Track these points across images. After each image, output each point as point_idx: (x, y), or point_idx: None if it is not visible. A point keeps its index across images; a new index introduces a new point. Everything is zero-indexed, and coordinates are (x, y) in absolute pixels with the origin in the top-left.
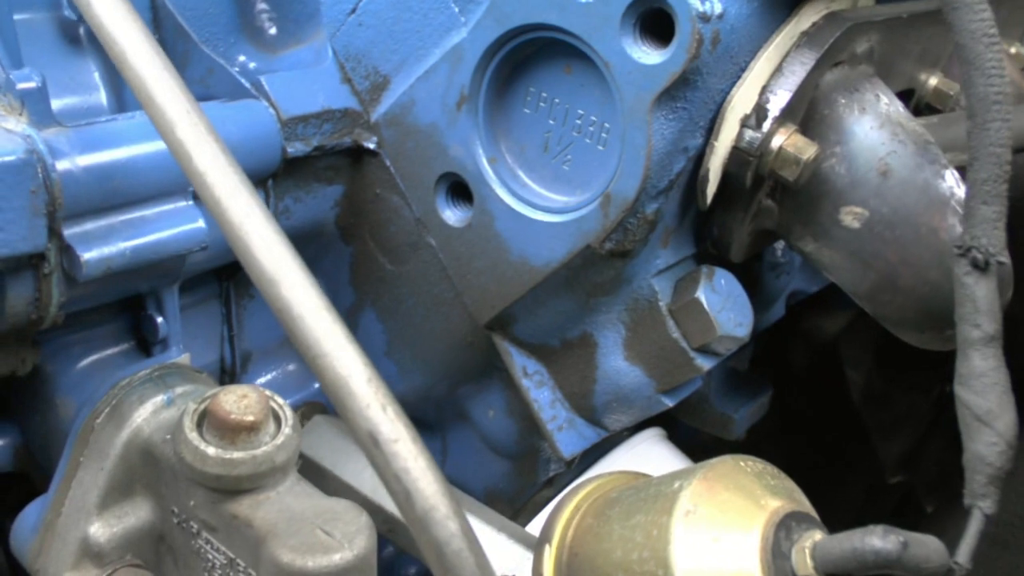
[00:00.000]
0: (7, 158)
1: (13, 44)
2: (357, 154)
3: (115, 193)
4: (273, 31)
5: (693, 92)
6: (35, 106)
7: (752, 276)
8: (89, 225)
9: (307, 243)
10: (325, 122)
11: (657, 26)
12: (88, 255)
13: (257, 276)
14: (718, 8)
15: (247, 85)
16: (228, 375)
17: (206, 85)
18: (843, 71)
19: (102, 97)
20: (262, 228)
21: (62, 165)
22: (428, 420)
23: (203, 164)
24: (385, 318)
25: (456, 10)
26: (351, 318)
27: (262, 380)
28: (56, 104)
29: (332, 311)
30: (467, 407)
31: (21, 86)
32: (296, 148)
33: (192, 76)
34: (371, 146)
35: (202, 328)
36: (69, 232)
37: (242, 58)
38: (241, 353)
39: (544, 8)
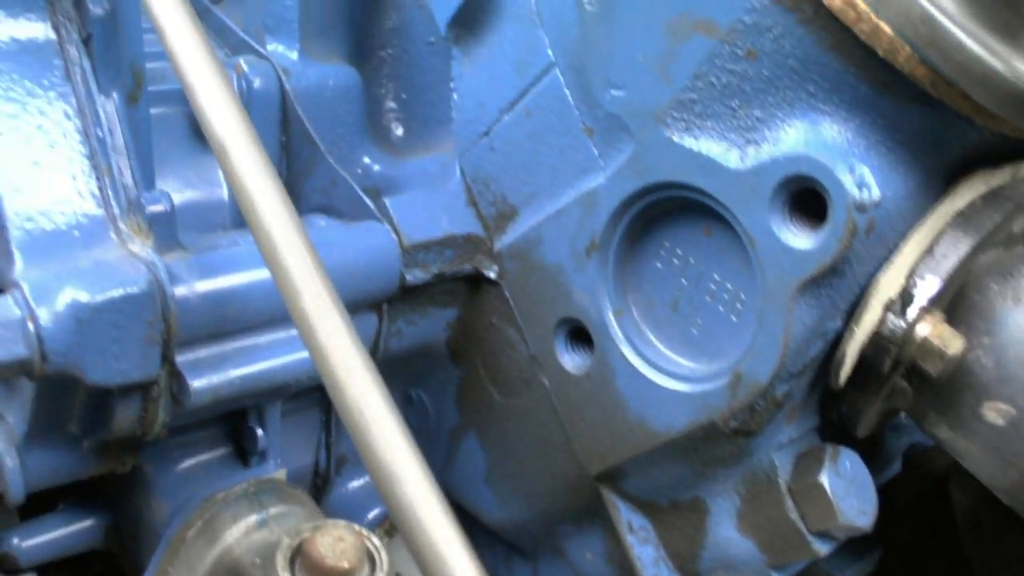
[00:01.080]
0: (130, 289)
1: (148, 163)
2: (476, 280)
3: (229, 320)
4: (400, 132)
5: (839, 279)
6: (162, 230)
7: (873, 437)
8: (201, 352)
9: (415, 359)
10: (447, 248)
11: (809, 203)
12: (198, 383)
13: (351, 429)
14: (876, 194)
15: (370, 205)
16: (321, 478)
17: (328, 196)
18: (998, 253)
19: (223, 193)
20: (361, 383)
21: (180, 292)
22: (523, 547)
23: (303, 296)
24: (488, 446)
25: (596, 153)
26: (453, 439)
27: (354, 484)
28: (179, 198)
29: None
30: (565, 545)
31: (151, 209)
32: (415, 276)
33: (315, 185)
34: (491, 275)
35: (300, 433)
36: (181, 359)
37: (367, 160)
38: (336, 457)
39: (690, 169)
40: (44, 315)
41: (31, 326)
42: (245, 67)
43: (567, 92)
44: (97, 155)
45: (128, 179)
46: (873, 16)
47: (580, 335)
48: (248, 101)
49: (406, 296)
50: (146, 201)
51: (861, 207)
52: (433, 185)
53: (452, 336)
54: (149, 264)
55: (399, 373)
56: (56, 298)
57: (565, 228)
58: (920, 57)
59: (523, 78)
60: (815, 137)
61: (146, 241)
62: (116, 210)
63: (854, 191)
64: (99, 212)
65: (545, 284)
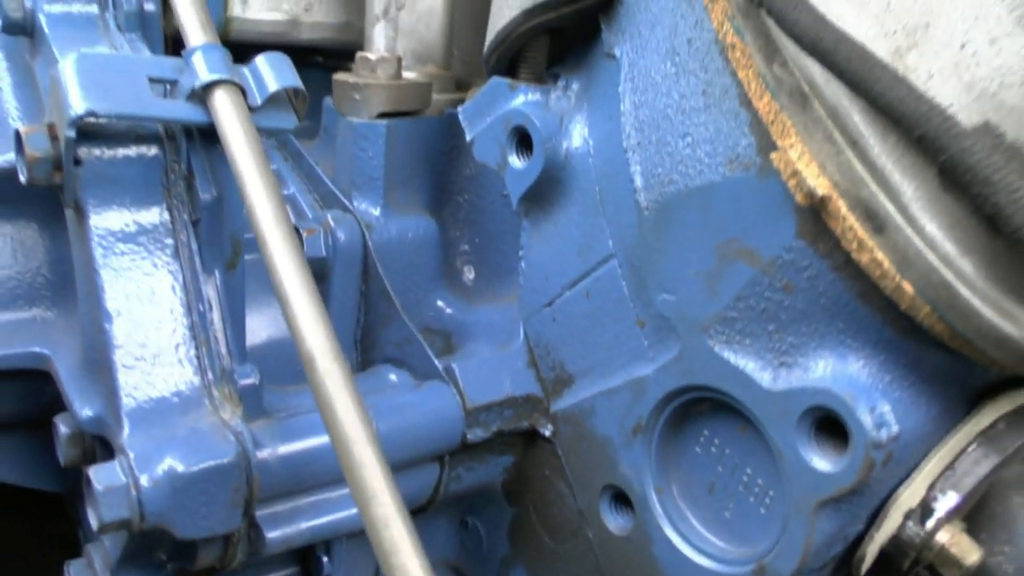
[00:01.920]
0: (220, 461)
1: (241, 333)
2: (532, 435)
3: (303, 479)
4: (471, 276)
5: (860, 496)
6: (250, 401)
7: None
8: (278, 507)
9: (472, 494)
10: (507, 408)
11: (835, 427)
12: (273, 534)
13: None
14: (894, 429)
15: (439, 367)
16: None
17: (401, 351)
18: (1020, 469)
19: None
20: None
21: (262, 455)
22: None
23: (356, 465)
24: None
25: (646, 344)
26: (504, 567)
27: None
28: (263, 335)
29: None
30: None
31: (243, 382)
32: (476, 435)
33: (390, 338)
34: (547, 433)
35: (361, 558)
36: (260, 513)
37: (440, 303)
38: None
39: (730, 379)
40: (145, 481)
41: (134, 492)
42: (332, 223)
43: (624, 284)
44: (198, 327)
45: (223, 349)
46: (897, 276)
47: (623, 499)
48: (334, 254)
49: (467, 449)
50: (238, 376)
51: (879, 445)
52: (499, 341)
53: (507, 479)
54: (237, 434)
55: (456, 504)
56: (156, 466)
57: (616, 406)
58: (939, 315)
59: (585, 261)
60: (842, 370)
61: (236, 410)
62: (211, 378)
63: (872, 432)
64: (196, 380)
65: (594, 451)
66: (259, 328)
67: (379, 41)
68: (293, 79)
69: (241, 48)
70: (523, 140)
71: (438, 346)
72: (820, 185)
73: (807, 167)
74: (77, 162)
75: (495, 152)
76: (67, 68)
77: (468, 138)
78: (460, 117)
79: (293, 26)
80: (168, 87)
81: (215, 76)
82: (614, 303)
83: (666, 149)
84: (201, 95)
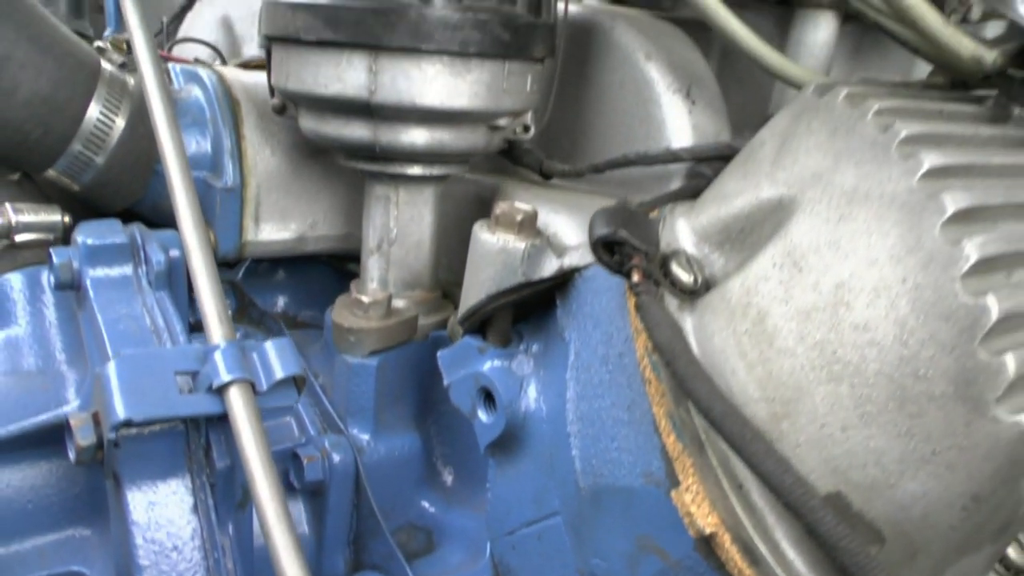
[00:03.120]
0: None
1: (250, 568)
2: None
3: None
4: (450, 479)
5: None
6: None
7: None
8: None
9: None
10: None
11: None
12: None
13: None
14: None
15: None
16: None
17: (387, 565)
18: None
19: None
20: None
21: None
22: None
23: None
24: None
25: None
26: None
27: None
28: None
29: None
30: None
31: None
32: None
33: (376, 549)
34: None
35: None
36: None
37: (424, 503)
38: None
39: None
40: None
41: None
42: (329, 448)
43: (567, 539)
44: (212, 572)
45: None
46: None
47: None
48: (330, 476)
49: None
50: None
51: None
52: (471, 550)
53: None
54: None
55: None
56: None
57: None
58: None
59: (539, 509)
60: None
61: None
62: None
63: None
64: None
65: None
66: None
67: (373, 271)
68: (296, 367)
69: None
70: (489, 397)
71: (420, 542)
72: (709, 524)
73: (699, 508)
74: (115, 445)
75: (467, 402)
76: (110, 373)
77: (444, 383)
78: (439, 360)
79: (300, 241)
80: (191, 377)
81: (231, 376)
82: (559, 551)
83: (599, 445)
84: (218, 389)
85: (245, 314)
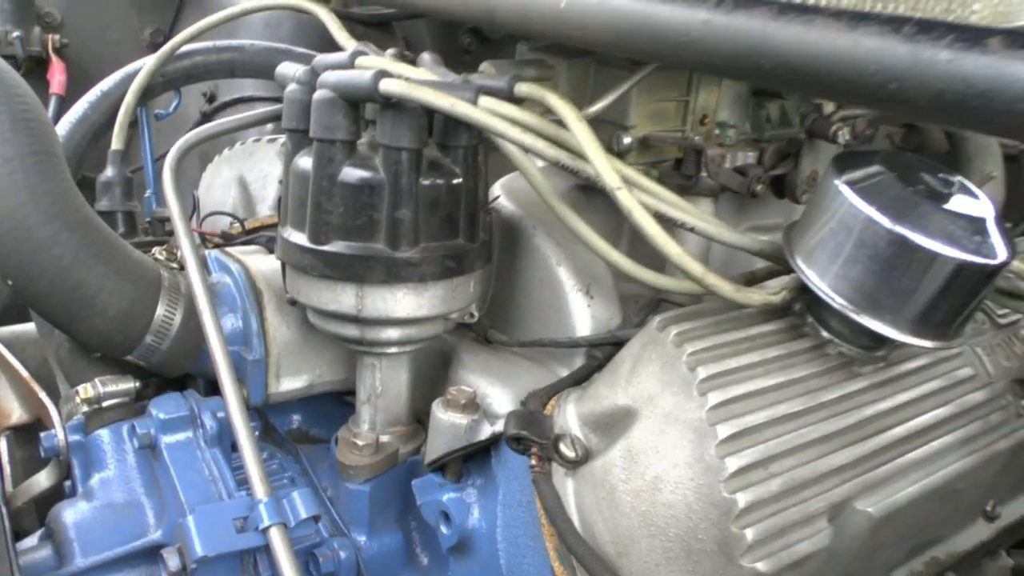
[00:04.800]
0: None
1: None
2: None
3: None
4: (426, 560)
5: None
6: None
7: None
8: None
9: None
10: None
11: None
12: None
13: None
14: None
15: None
16: None
17: None
18: None
19: None
20: None
21: None
22: None
23: None
24: None
25: None
26: None
27: None
28: None
29: None
30: None
31: None
32: None
33: None
34: None
35: None
36: None
37: None
38: None
39: None
40: None
41: None
42: (337, 549)
43: None
44: None
45: None
46: None
47: None
48: (339, 568)
49: None
50: None
51: None
52: None
53: None
54: None
55: None
56: None
57: None
58: None
59: None
60: None
61: None
62: None
63: None
64: None
65: None
66: None
67: (364, 415)
68: (314, 509)
69: None
70: (447, 516)
71: None
72: None
73: None
74: (194, 571)
75: (432, 518)
76: (191, 524)
77: (418, 503)
78: (413, 487)
79: (310, 387)
80: (243, 520)
81: (270, 521)
82: None
83: (516, 560)
84: (262, 531)
85: (269, 434)
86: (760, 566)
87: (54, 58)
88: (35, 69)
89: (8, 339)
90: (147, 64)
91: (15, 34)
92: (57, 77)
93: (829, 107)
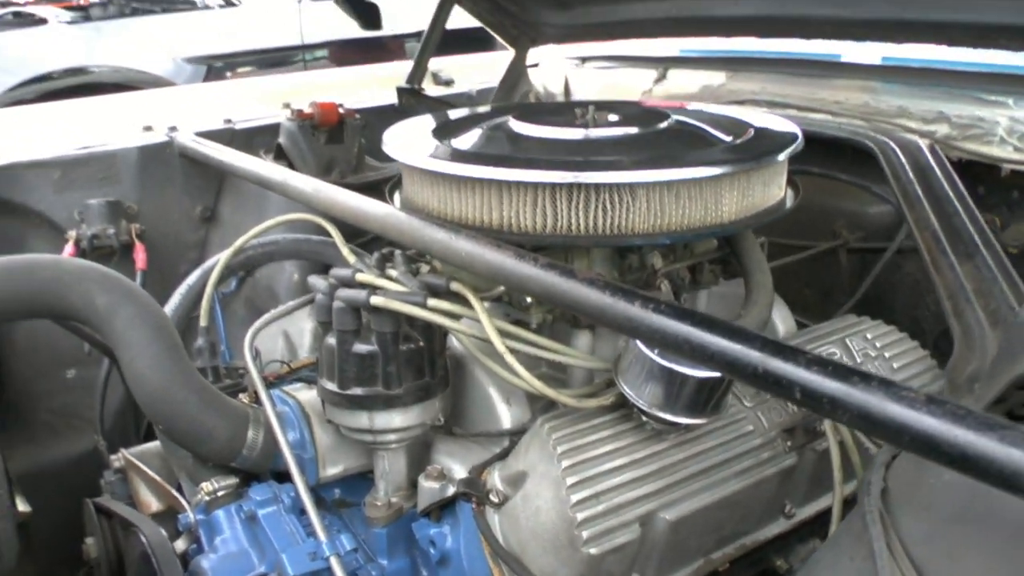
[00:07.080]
0: None
1: None
2: None
3: None
4: (425, 574)
5: None
6: None
7: None
8: None
9: None
10: None
11: None
12: None
13: None
14: None
15: None
16: None
17: None
18: None
19: None
20: None
21: None
22: None
23: None
24: None
25: None
26: None
27: None
28: None
29: None
30: None
31: None
32: None
33: None
34: None
35: None
36: None
37: None
38: None
39: None
40: None
41: None
42: (371, 571)
43: None
44: None
45: None
46: None
47: None
48: None
49: None
50: None
51: None
52: None
53: None
54: None
55: None
56: None
57: None
58: None
59: None
60: None
61: None
62: None
63: None
64: None
65: None
66: None
67: (380, 486)
68: (354, 545)
69: None
70: (433, 543)
71: None
72: None
73: None
74: None
75: (425, 544)
76: (284, 557)
77: (416, 536)
78: (412, 527)
79: (345, 471)
80: (314, 554)
81: (330, 553)
82: None
83: None
84: (325, 559)
85: (322, 503)
86: (592, 550)
87: (137, 242)
88: (125, 252)
89: (139, 455)
90: (219, 261)
91: (111, 231)
92: (140, 255)
93: (658, 263)
